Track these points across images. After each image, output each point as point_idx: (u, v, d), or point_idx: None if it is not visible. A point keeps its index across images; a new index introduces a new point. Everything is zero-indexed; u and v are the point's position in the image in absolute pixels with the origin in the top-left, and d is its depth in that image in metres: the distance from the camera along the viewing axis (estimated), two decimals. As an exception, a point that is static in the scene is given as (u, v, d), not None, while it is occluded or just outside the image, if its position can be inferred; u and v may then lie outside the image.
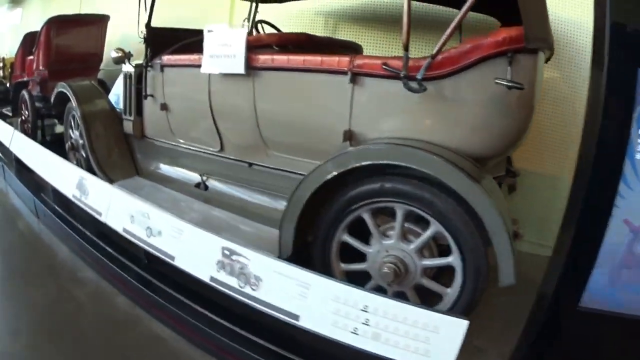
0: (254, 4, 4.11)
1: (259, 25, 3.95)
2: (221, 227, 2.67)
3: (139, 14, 3.32)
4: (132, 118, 3.59)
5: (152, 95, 3.39)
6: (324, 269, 2.14)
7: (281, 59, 2.55)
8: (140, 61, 3.40)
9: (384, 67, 2.03)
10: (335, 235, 2.13)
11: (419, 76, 1.88)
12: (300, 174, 2.39)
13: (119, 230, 2.70)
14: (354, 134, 2.22)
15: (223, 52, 2.73)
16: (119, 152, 3.74)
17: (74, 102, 3.70)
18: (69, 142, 3.96)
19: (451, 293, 1.99)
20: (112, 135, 3.74)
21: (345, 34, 4.35)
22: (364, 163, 1.94)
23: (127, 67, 3.58)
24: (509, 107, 1.90)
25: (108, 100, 3.96)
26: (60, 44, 5.10)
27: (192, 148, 3.25)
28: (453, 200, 1.85)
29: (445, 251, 2.01)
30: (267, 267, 1.97)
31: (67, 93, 3.77)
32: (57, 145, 4.04)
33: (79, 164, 3.89)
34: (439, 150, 1.91)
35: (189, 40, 3.53)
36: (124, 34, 6.11)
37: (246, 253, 2.04)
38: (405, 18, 1.92)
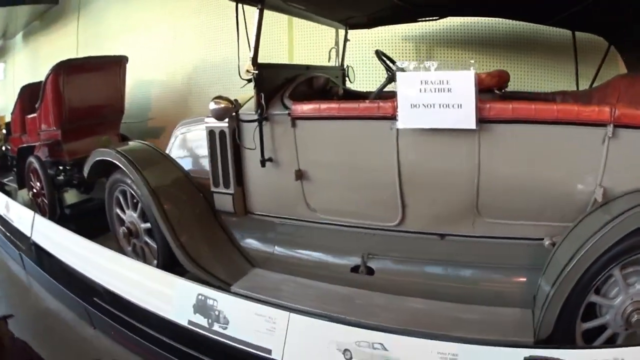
0: (341, 32, 3.43)
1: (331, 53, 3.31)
2: (433, 321, 2.00)
3: (238, 47, 2.42)
4: (231, 190, 2.67)
5: (270, 160, 2.53)
6: (564, 334, 1.81)
7: (525, 108, 1.95)
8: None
9: None
10: (585, 298, 1.80)
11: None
12: (512, 239, 2.10)
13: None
14: (605, 190, 1.92)
15: (435, 101, 1.99)
16: (214, 237, 2.75)
17: (131, 173, 2.70)
18: (123, 227, 2.91)
19: None
20: (199, 214, 2.77)
21: (442, 59, 3.74)
22: None
23: (214, 122, 2.61)
24: None
25: (180, 167, 2.97)
26: (73, 96, 3.99)
27: (346, 224, 2.46)
28: None
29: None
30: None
31: (116, 161, 2.77)
32: (81, 219, 3.20)
33: (141, 256, 2.91)
34: None
35: (302, 79, 2.75)
36: (139, 79, 5.18)
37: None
38: None
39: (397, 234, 2.33)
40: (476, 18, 3.52)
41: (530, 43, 3.42)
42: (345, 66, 3.52)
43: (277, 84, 2.60)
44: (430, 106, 2.00)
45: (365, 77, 4.02)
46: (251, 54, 2.39)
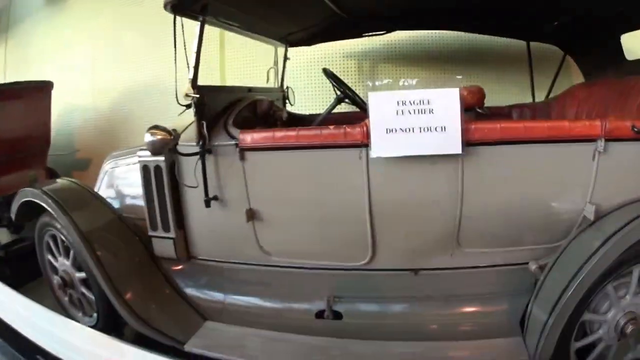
0: (281, 49, 3.13)
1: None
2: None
3: (176, 68, 1.99)
4: (171, 235, 2.24)
5: (215, 198, 2.12)
6: (559, 356, 1.72)
7: (514, 128, 1.78)
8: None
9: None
10: (580, 318, 1.73)
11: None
12: (493, 266, 1.96)
13: None
14: (596, 207, 1.82)
15: (415, 124, 1.71)
16: (157, 288, 2.31)
17: (59, 217, 2.27)
18: (57, 277, 2.47)
19: None
20: (138, 262, 2.33)
21: (387, 75, 3.54)
22: None
23: (148, 155, 2.17)
24: None
25: (112, 207, 2.50)
26: (-9, 126, 3.43)
27: (306, 266, 2.13)
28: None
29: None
30: None
31: (43, 203, 2.34)
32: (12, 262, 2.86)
33: (79, 307, 2.46)
34: None
35: (245, 103, 2.40)
36: (64, 106, 4.49)
37: None
38: None
39: (366, 273, 2.08)
40: (422, 32, 3.36)
41: (481, 54, 3.31)
42: (285, 87, 3.19)
43: (218, 109, 2.22)
44: (409, 130, 1.72)
45: (305, 98, 3.71)
46: (190, 75, 1.97)
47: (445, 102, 1.67)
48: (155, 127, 1.98)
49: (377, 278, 2.09)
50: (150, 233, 2.31)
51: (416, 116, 1.70)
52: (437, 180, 1.84)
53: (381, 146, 1.75)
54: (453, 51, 3.40)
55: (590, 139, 1.75)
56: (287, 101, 3.20)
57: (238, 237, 2.17)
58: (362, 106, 2.76)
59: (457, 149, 1.70)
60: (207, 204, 2.07)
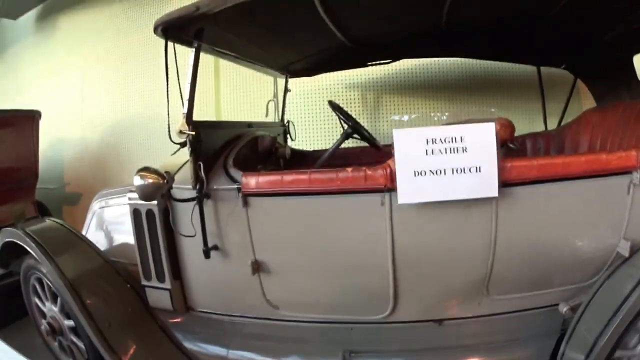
0: (280, 80, 2.96)
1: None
2: None
3: (168, 101, 1.78)
4: (166, 285, 2.02)
5: (216, 248, 1.88)
6: None
7: (551, 164, 1.61)
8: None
9: None
10: (613, 355, 1.58)
11: None
12: (517, 312, 1.83)
13: None
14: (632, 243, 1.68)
15: (446, 164, 1.51)
16: (153, 341, 2.08)
17: (43, 262, 2.07)
18: (45, 323, 2.24)
19: None
20: (131, 313, 2.11)
21: (392, 107, 3.37)
22: None
23: (137, 199, 1.92)
24: None
25: (101, 252, 2.26)
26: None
27: (319, 320, 1.92)
28: None
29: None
30: None
31: (26, 246, 2.14)
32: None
33: (69, 354, 2.23)
34: None
35: (245, 140, 2.21)
36: (57, 134, 4.26)
37: None
38: None
39: (386, 326, 1.89)
40: (427, 60, 3.22)
41: (489, 82, 3.16)
42: (286, 121, 3.00)
43: (215, 147, 2.03)
44: (440, 172, 1.51)
45: (305, 133, 3.52)
46: (184, 109, 1.77)
47: (480, 138, 1.49)
48: (146, 169, 1.76)
49: (398, 330, 1.89)
50: (144, 282, 2.09)
51: (448, 156, 1.51)
52: (468, 224, 1.65)
53: (409, 191, 1.54)
54: (459, 80, 3.25)
55: (626, 171, 1.61)
56: (288, 136, 3.00)
57: (241, 289, 1.96)
58: (372, 141, 2.58)
59: (493, 191, 1.51)
60: (207, 254, 1.86)
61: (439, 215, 1.62)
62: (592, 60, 2.52)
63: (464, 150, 1.50)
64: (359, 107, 3.41)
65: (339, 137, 2.56)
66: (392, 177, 1.57)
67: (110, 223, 2.57)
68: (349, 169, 1.65)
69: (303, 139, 3.44)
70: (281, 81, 3.00)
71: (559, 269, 1.79)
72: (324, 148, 3.02)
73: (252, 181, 1.78)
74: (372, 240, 1.71)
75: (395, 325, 1.87)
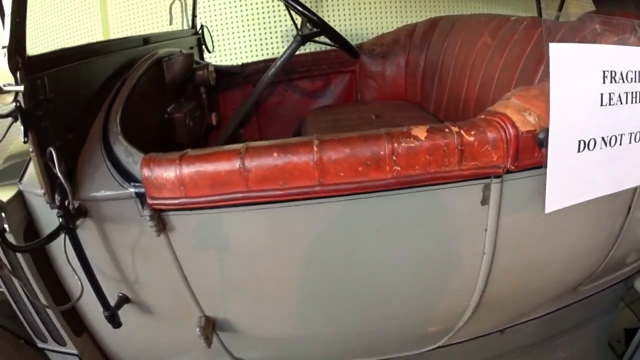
0: None
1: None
2: None
3: None
4: (69, 348, 1.20)
5: (127, 300, 1.08)
6: None
7: None
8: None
9: None
10: None
11: None
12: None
13: None
14: None
15: (622, 125, 0.73)
16: None
17: None
18: None
19: None
20: None
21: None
22: None
23: None
24: None
25: None
26: None
27: None
28: None
29: None
30: None
31: None
32: None
33: None
34: None
35: (140, 71, 1.26)
36: None
37: None
38: None
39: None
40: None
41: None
42: (199, 27, 1.96)
43: (88, 101, 1.06)
44: (615, 141, 0.74)
45: (227, 42, 2.45)
46: (4, 39, 0.73)
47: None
48: None
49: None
50: (40, 345, 1.29)
51: (629, 107, 0.73)
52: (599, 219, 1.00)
53: (564, 183, 0.75)
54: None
55: None
56: (203, 47, 1.98)
57: (184, 343, 1.20)
58: (346, 44, 1.68)
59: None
60: (113, 320, 1.02)
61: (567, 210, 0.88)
62: None
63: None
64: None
65: (290, 42, 1.65)
66: (515, 147, 0.75)
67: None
68: (397, 130, 0.79)
69: (224, 52, 2.40)
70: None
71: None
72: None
73: (167, 173, 0.82)
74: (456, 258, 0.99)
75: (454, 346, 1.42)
